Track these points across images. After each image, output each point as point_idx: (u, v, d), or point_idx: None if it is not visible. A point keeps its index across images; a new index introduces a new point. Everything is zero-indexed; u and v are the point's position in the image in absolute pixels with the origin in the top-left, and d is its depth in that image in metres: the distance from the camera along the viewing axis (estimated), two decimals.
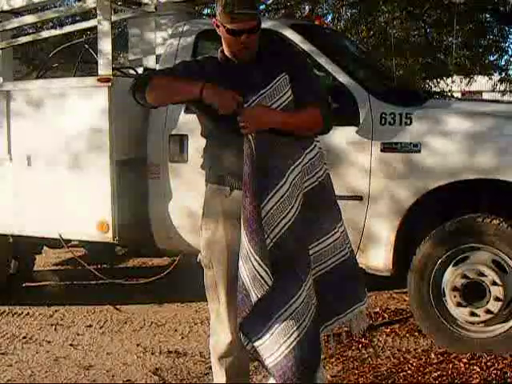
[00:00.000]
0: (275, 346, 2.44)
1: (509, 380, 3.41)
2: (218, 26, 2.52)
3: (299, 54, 3.42)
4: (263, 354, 2.48)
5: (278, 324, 2.44)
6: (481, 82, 13.98)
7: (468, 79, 12.54)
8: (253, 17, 2.45)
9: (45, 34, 6.05)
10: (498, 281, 3.66)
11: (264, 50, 2.59)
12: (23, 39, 5.67)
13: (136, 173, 4.48)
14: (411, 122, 3.82)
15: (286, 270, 2.45)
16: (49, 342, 4.23)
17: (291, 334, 2.44)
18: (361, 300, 2.71)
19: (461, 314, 3.77)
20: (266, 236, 2.41)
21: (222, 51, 2.60)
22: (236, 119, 2.44)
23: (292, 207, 2.47)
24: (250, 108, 2.44)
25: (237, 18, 2.42)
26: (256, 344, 2.48)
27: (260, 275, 2.39)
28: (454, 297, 3.75)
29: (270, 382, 2.55)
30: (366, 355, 3.79)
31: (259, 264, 2.38)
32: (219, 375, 2.70)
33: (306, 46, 4.10)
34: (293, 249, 2.46)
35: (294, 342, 2.43)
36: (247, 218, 2.40)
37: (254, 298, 2.42)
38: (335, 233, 2.62)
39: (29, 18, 5.36)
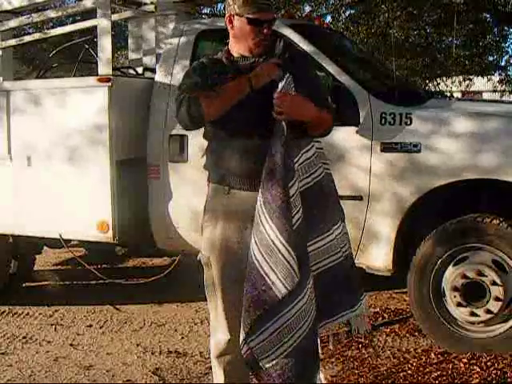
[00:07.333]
0: (275, 346, 2.41)
1: (509, 380, 3.41)
2: (230, 22, 2.52)
3: (301, 54, 3.41)
4: (260, 353, 2.42)
5: (280, 323, 2.39)
6: (481, 82, 13.99)
7: (468, 81, 12.55)
8: (272, 9, 2.54)
9: (45, 33, 6.04)
10: (498, 281, 3.66)
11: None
12: (23, 39, 5.67)
13: (136, 173, 4.48)
14: (411, 122, 3.82)
15: None
16: (49, 341, 4.23)
17: (294, 334, 2.41)
18: (351, 307, 2.65)
19: (461, 313, 3.76)
20: None
21: (227, 51, 2.59)
22: (237, 119, 2.44)
23: (300, 202, 2.43)
24: (292, 95, 2.42)
25: (262, 7, 2.47)
26: (252, 344, 2.42)
27: (291, 266, 2.33)
28: (454, 297, 3.75)
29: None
30: (366, 355, 3.78)
31: (290, 254, 2.33)
32: (218, 374, 2.70)
33: (305, 46, 4.09)
34: (301, 246, 2.43)
35: (297, 342, 2.41)
36: (275, 204, 2.33)
37: (282, 292, 2.35)
38: (329, 235, 2.57)
39: (29, 18, 5.35)
